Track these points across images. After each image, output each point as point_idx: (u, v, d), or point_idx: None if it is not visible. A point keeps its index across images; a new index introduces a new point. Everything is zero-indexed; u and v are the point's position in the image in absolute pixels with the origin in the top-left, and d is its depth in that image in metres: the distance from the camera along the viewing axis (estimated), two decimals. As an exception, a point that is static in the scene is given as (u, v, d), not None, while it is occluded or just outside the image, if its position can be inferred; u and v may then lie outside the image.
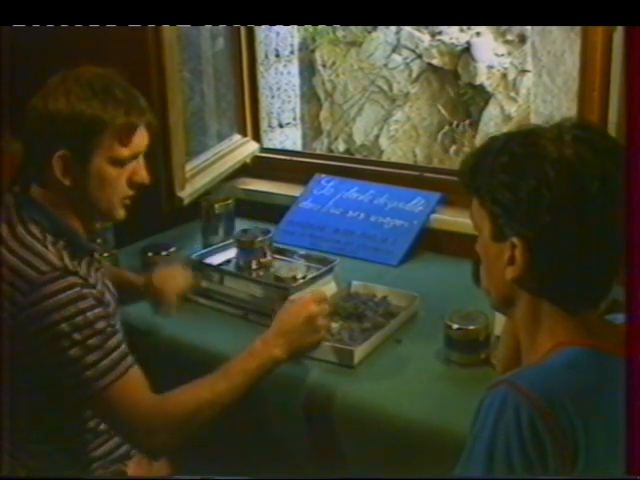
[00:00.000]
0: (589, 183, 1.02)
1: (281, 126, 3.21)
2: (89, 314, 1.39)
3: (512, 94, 4.82)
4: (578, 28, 2.27)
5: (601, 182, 1.02)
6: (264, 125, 2.97)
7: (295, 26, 3.31)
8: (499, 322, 1.55)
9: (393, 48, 5.15)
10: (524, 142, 1.08)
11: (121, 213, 1.54)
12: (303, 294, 1.84)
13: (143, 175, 1.52)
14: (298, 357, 1.59)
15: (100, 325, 1.40)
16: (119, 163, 1.47)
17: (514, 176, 1.05)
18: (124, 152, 1.47)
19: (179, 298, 1.81)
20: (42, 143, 1.45)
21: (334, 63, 5.34)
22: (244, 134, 2.70)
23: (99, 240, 1.95)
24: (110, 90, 1.45)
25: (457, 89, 5.03)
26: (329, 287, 1.92)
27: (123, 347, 1.44)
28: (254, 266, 1.96)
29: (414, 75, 5.12)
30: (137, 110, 1.47)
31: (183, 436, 1.44)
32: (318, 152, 5.02)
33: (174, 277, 1.82)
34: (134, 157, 1.50)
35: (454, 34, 4.95)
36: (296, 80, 3.32)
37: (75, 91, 1.43)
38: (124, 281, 1.80)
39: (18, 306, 1.38)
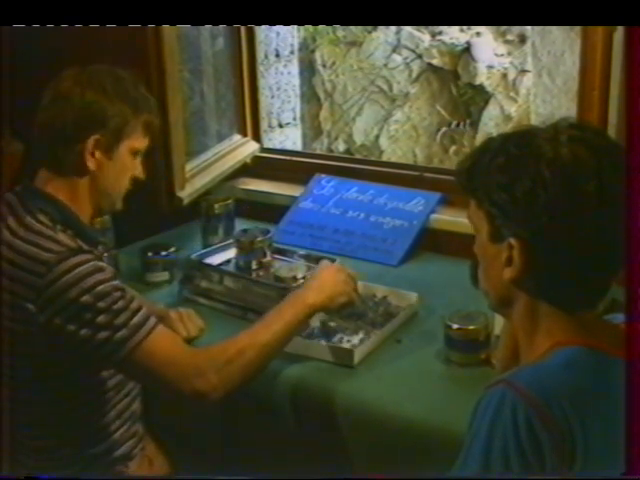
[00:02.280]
0: (585, 183, 1.02)
1: (281, 126, 3.21)
2: (108, 284, 1.42)
3: (512, 94, 4.81)
4: (578, 28, 2.27)
5: (597, 182, 1.02)
6: (264, 125, 2.96)
7: (295, 26, 3.31)
8: (499, 322, 1.55)
9: (393, 48, 5.14)
10: (520, 143, 1.08)
11: (121, 205, 1.63)
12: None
13: (141, 170, 1.61)
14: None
15: (120, 292, 1.44)
16: (135, 155, 1.57)
17: (510, 177, 1.05)
18: (142, 145, 1.57)
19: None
20: (77, 127, 1.49)
21: (334, 63, 5.34)
22: (244, 134, 2.69)
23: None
24: (138, 89, 1.56)
25: (457, 89, 5.02)
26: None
27: (145, 309, 1.47)
28: (254, 266, 1.97)
29: (414, 75, 5.12)
30: (154, 109, 1.59)
31: (230, 376, 1.45)
32: (318, 152, 5.02)
33: (190, 319, 1.81)
34: (143, 152, 1.60)
35: (454, 34, 4.94)
36: (296, 80, 3.32)
37: (111, 85, 1.51)
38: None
39: (37, 289, 1.39)
